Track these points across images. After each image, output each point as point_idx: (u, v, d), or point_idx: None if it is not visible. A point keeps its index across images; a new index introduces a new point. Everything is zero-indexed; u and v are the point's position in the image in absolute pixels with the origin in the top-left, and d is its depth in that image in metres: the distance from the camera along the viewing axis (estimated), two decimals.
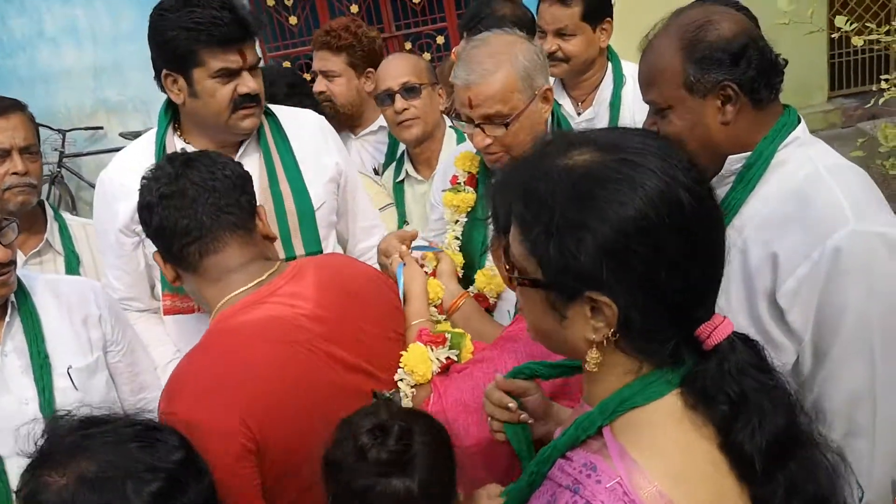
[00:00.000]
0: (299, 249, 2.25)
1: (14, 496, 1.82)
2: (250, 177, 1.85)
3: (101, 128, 7.91)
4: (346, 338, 1.69)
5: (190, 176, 1.72)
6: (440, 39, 7.55)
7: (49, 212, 2.58)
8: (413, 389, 1.78)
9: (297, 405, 1.58)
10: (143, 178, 1.79)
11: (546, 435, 1.44)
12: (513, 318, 2.07)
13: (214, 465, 1.36)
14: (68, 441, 1.24)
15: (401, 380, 1.79)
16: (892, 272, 1.55)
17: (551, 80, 2.90)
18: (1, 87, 7.78)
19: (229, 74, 2.12)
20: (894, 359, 1.57)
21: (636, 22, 3.00)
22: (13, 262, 1.91)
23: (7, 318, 1.95)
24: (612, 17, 2.96)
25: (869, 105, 4.61)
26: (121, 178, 2.25)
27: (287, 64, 7.73)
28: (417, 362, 1.79)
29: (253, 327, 1.63)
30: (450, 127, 2.98)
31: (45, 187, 7.80)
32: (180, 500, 1.21)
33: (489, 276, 2.19)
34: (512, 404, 1.44)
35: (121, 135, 7.57)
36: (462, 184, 2.40)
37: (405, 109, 2.82)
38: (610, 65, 3.03)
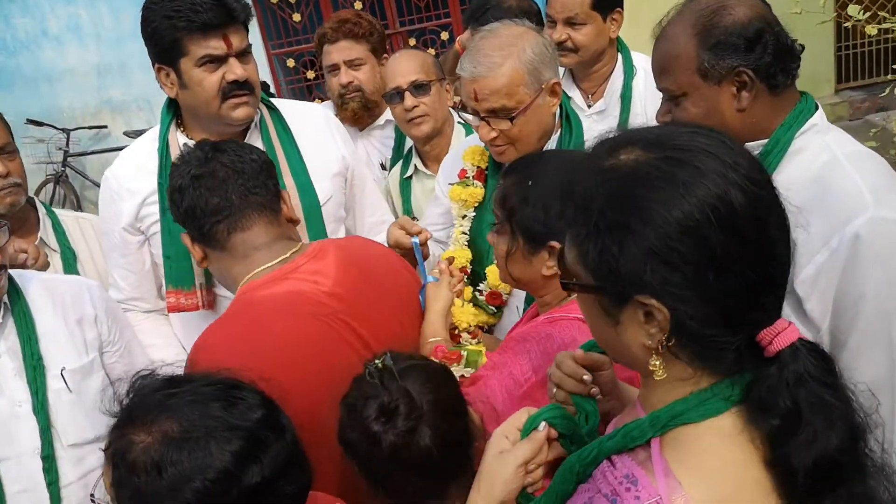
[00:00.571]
0: None
1: (49, 485, 1.83)
2: (273, 164, 1.89)
3: (106, 127, 7.91)
4: (363, 315, 1.74)
5: (220, 159, 1.78)
6: (444, 35, 7.52)
7: (41, 209, 2.54)
8: None
9: (316, 376, 1.61)
10: (174, 164, 1.85)
11: (608, 413, 1.40)
12: (522, 314, 2.04)
13: None
14: (153, 400, 1.27)
15: None
16: None
17: (561, 71, 2.88)
18: (5, 86, 7.80)
19: (215, 61, 2.07)
20: None
21: (645, 13, 2.97)
22: (3, 266, 1.88)
23: (0, 320, 1.92)
24: (622, 7, 2.92)
25: (884, 94, 4.56)
26: (125, 177, 2.24)
27: (291, 62, 7.74)
28: None
29: (276, 300, 1.68)
30: (458, 122, 2.95)
31: (50, 187, 7.81)
32: (262, 458, 1.23)
33: None
34: (587, 376, 1.39)
35: (125, 133, 7.57)
36: (471, 178, 2.36)
37: (415, 107, 2.78)
38: (620, 56, 2.98)
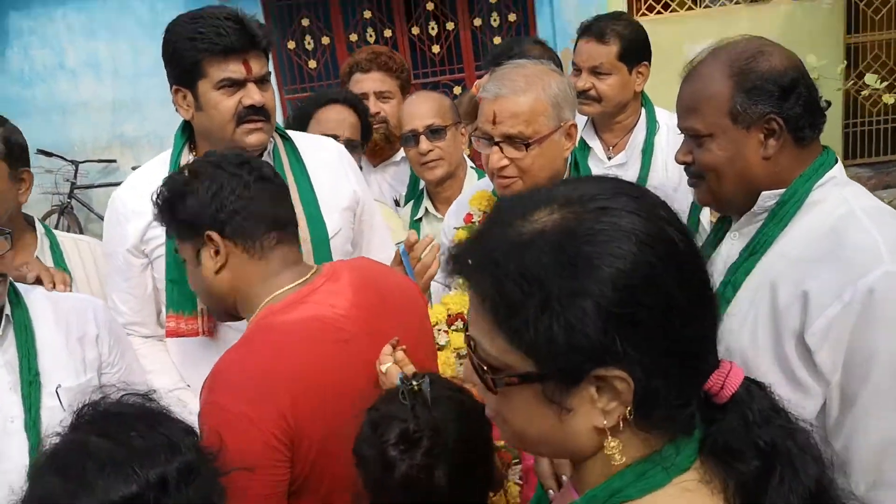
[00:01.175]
0: None
1: None
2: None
3: (115, 161, 7.94)
4: (381, 334, 1.70)
5: (272, 177, 1.78)
6: (457, 90, 7.59)
7: (39, 229, 2.49)
8: None
9: (335, 405, 1.58)
10: (215, 157, 1.78)
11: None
12: None
13: (248, 451, 1.40)
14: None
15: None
16: None
17: (582, 121, 2.87)
18: (18, 116, 7.76)
19: (233, 85, 2.07)
20: None
21: (657, 69, 2.99)
22: (3, 275, 1.83)
23: (0, 332, 1.87)
24: (649, 62, 2.93)
25: (891, 171, 4.57)
26: (132, 199, 2.21)
27: None
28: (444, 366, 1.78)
29: (296, 325, 1.65)
30: (471, 167, 2.94)
31: (54, 217, 7.80)
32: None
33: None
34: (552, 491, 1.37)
35: (133, 168, 7.54)
36: (476, 222, 2.34)
37: (430, 151, 2.77)
38: (644, 110, 2.98)
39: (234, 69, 2.05)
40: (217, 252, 1.67)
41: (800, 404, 1.31)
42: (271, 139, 2.23)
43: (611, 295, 0.86)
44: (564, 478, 1.33)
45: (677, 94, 1.74)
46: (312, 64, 7.74)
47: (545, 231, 0.91)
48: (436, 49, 7.71)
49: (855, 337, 1.51)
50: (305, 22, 7.65)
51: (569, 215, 0.91)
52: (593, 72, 2.84)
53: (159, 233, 2.14)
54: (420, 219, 2.95)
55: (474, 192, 2.40)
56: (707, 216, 2.35)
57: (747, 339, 1.64)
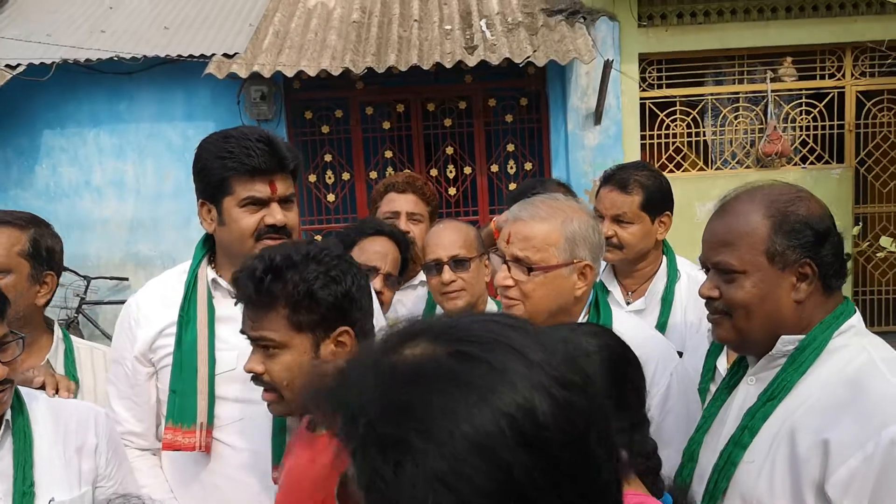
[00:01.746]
0: None
1: None
2: None
3: (127, 279, 7.99)
4: None
5: None
6: None
7: (57, 332, 2.47)
8: None
9: None
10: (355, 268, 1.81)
11: None
12: None
13: None
14: None
15: None
16: None
17: (603, 264, 2.88)
18: None
19: (257, 203, 2.08)
20: None
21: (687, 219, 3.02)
22: (10, 381, 1.79)
23: None
24: (671, 212, 2.96)
25: None
26: (147, 305, 2.19)
27: (318, 237, 7.92)
28: None
29: None
30: (490, 298, 2.92)
31: None
32: None
33: None
34: None
35: None
36: None
37: (452, 281, 2.76)
38: (665, 258, 2.98)
39: (260, 189, 2.08)
40: (346, 347, 1.70)
41: None
42: None
43: (435, 456, 0.76)
44: None
45: (706, 229, 1.74)
46: (331, 198, 7.92)
47: (396, 367, 0.83)
48: (452, 191, 7.90)
49: (878, 489, 1.47)
50: (328, 157, 7.89)
51: (427, 353, 0.82)
52: (616, 220, 2.86)
53: (169, 342, 2.11)
54: None
55: None
56: (724, 363, 2.31)
57: (765, 488, 1.60)
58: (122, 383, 2.21)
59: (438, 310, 2.99)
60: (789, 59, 7.87)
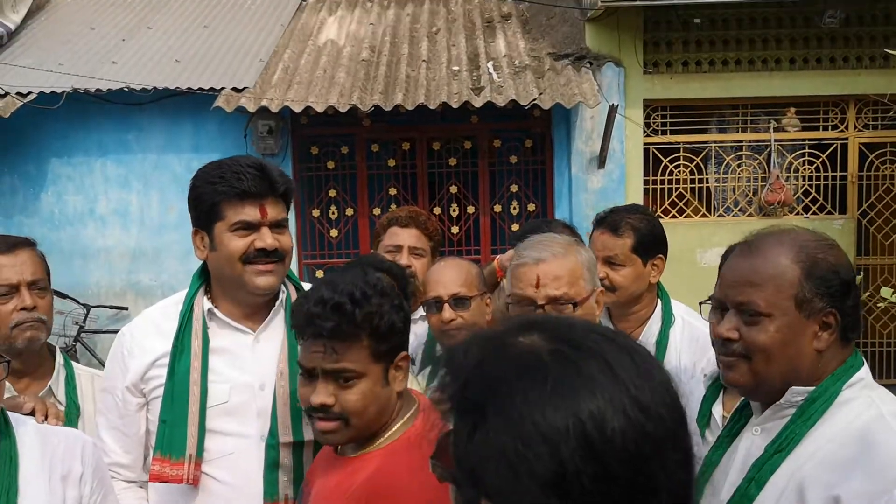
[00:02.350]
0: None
1: None
2: None
3: (126, 308, 7.97)
4: None
5: None
6: None
7: (59, 359, 2.48)
8: None
9: None
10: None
11: None
12: None
13: None
14: None
15: None
16: None
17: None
18: None
19: (247, 227, 2.08)
20: None
21: (668, 271, 3.02)
22: None
23: None
24: (665, 255, 2.95)
25: None
26: (141, 335, 2.19)
27: (320, 273, 7.93)
28: None
29: None
30: None
31: None
32: None
33: None
34: None
35: None
36: None
37: (452, 320, 2.73)
38: (660, 302, 2.97)
39: (250, 213, 2.08)
40: (403, 370, 1.78)
41: None
42: (284, 289, 2.22)
43: (503, 432, 0.83)
44: None
45: (729, 267, 1.68)
46: (334, 233, 7.94)
47: (506, 348, 0.91)
48: (455, 230, 7.92)
49: None
50: (332, 192, 7.93)
51: (535, 346, 0.90)
52: (607, 262, 2.85)
53: (161, 373, 2.10)
54: None
55: None
56: (720, 411, 2.29)
57: None
58: (111, 413, 2.19)
59: (439, 347, 2.97)
60: (793, 109, 7.93)
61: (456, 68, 7.86)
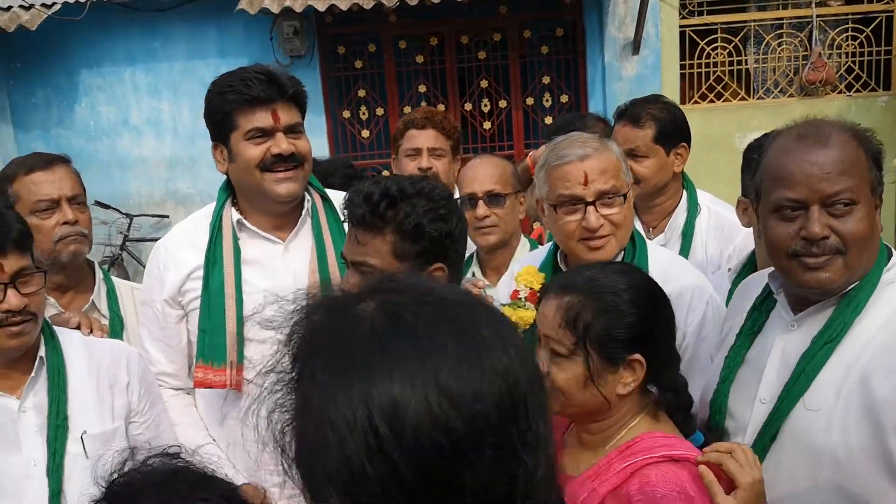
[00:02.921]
0: None
1: None
2: None
3: (168, 216, 8.12)
4: None
5: None
6: None
7: (98, 273, 2.56)
8: None
9: None
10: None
11: None
12: None
13: None
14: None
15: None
16: None
17: None
18: (81, 168, 8.03)
19: (262, 135, 2.09)
20: None
21: (707, 156, 2.97)
22: (33, 314, 1.84)
23: (32, 373, 1.88)
24: (688, 143, 2.91)
25: None
26: (175, 248, 2.25)
27: None
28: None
29: None
30: (524, 237, 2.92)
31: (105, 268, 7.98)
32: None
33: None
34: None
35: None
36: (523, 299, 2.30)
37: (486, 216, 2.74)
38: (685, 192, 2.95)
39: (262, 119, 2.08)
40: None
41: None
42: (309, 198, 2.24)
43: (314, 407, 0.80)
44: None
45: (805, 162, 1.59)
46: (365, 133, 7.91)
47: (357, 317, 0.84)
48: (487, 125, 7.83)
49: None
50: (362, 93, 7.85)
51: (377, 315, 0.83)
52: (630, 154, 2.82)
53: (197, 285, 2.16)
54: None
55: (520, 267, 2.38)
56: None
57: (838, 438, 1.54)
58: (153, 325, 2.27)
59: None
60: None
61: None
